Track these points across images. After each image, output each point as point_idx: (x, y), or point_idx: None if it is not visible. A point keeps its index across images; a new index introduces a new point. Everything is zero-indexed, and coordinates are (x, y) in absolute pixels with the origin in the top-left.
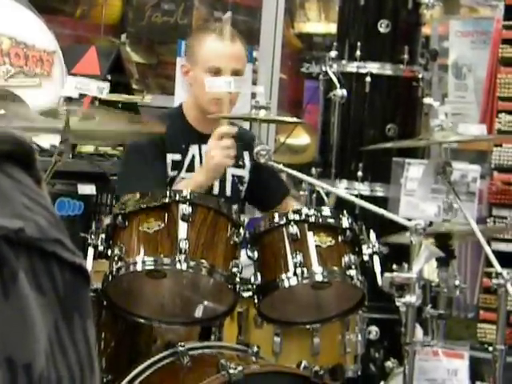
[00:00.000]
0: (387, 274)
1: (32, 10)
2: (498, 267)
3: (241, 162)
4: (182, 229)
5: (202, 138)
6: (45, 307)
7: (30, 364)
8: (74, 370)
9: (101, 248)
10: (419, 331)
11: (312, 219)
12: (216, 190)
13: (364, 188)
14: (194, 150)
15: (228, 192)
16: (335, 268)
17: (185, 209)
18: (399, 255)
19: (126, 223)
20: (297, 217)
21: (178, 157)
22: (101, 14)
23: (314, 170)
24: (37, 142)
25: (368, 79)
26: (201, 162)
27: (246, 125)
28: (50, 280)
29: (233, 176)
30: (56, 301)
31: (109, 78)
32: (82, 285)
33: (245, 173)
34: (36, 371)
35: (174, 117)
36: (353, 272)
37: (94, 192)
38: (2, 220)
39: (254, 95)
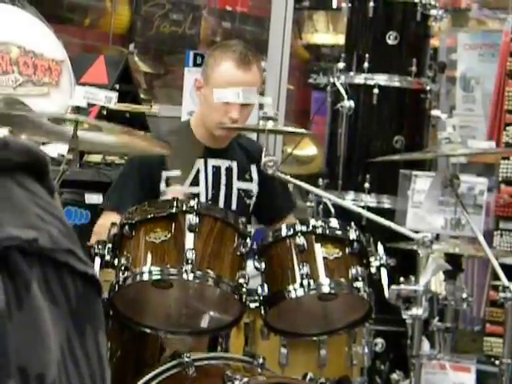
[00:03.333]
0: (394, 287)
1: (41, 19)
2: (505, 281)
3: (248, 176)
4: (189, 239)
5: (209, 153)
6: (57, 317)
7: (43, 374)
8: (85, 380)
9: (107, 257)
10: (426, 344)
11: (319, 231)
12: (221, 205)
13: (371, 200)
14: (199, 164)
15: (233, 206)
16: (342, 280)
17: (192, 219)
18: (407, 267)
19: (133, 233)
20: (304, 228)
21: (176, 173)
22: (109, 23)
23: (320, 181)
24: (45, 150)
25: (376, 91)
26: (206, 175)
27: (253, 135)
28: (63, 290)
29: (239, 190)
30: (68, 311)
31: (117, 87)
32: (94, 295)
33: (252, 186)
34: (48, 381)
35: (182, 134)
36: (360, 284)
37: (101, 201)
38: (16, 230)
39: (261, 106)
